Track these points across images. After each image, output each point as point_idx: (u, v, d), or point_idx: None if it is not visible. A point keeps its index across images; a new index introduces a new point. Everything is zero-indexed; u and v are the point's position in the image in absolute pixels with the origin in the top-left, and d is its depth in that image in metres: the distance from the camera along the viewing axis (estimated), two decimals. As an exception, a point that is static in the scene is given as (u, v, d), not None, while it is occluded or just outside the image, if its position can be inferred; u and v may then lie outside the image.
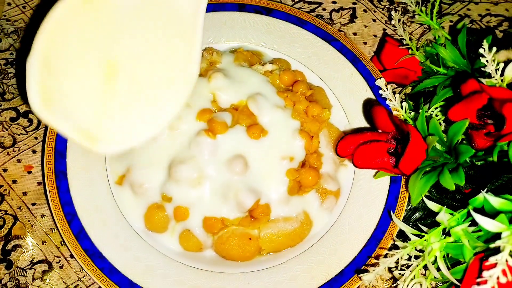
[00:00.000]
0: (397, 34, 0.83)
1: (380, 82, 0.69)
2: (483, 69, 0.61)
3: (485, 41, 0.60)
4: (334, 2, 0.92)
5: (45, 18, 0.50)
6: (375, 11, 0.91)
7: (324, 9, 0.91)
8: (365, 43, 0.88)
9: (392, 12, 0.78)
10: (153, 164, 0.66)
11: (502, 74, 0.61)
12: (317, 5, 0.91)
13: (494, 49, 0.60)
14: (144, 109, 0.56)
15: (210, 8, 0.79)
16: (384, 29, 0.89)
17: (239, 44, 0.79)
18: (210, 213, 0.65)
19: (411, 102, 0.71)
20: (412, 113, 0.67)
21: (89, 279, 0.66)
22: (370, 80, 0.75)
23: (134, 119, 0.55)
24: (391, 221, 0.66)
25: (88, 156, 0.68)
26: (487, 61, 0.60)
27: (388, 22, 0.90)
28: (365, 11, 0.91)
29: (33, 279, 0.65)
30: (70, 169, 0.67)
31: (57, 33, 0.51)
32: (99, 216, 0.65)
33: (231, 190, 0.65)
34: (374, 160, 0.63)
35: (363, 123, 0.74)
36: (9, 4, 0.85)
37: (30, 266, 0.66)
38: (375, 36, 0.89)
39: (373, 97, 0.74)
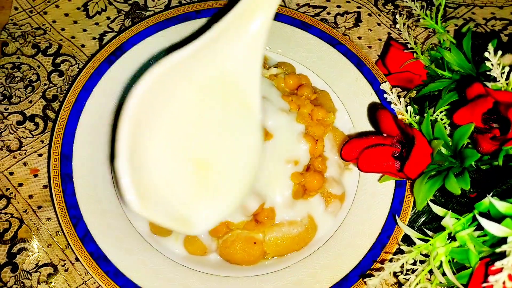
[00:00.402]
0: (401, 38, 0.83)
1: (385, 86, 0.69)
2: (488, 73, 0.61)
3: (490, 44, 0.60)
4: (338, 6, 0.92)
5: (122, 116, 0.50)
6: (379, 15, 0.91)
7: (328, 13, 0.91)
8: (369, 47, 0.88)
9: (397, 16, 0.78)
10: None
11: (507, 78, 0.60)
12: (321, 9, 0.91)
13: (500, 53, 0.60)
14: (225, 185, 0.57)
15: (214, 11, 0.79)
16: (389, 33, 0.89)
17: (244, 48, 0.79)
18: (215, 217, 0.65)
19: (416, 106, 0.71)
20: (417, 117, 0.67)
21: (94, 283, 0.66)
22: (375, 83, 0.75)
23: (219, 198, 0.56)
24: (396, 225, 0.65)
25: (94, 160, 0.68)
26: (492, 65, 0.60)
27: (393, 26, 0.90)
28: (369, 15, 0.91)
29: (38, 282, 0.65)
30: (76, 173, 0.67)
31: (138, 127, 0.51)
32: (105, 219, 0.65)
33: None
34: (379, 164, 0.63)
35: (368, 127, 0.74)
36: (16, 8, 0.85)
37: (35, 269, 0.66)
38: (380, 40, 0.89)
39: (378, 101, 0.74)
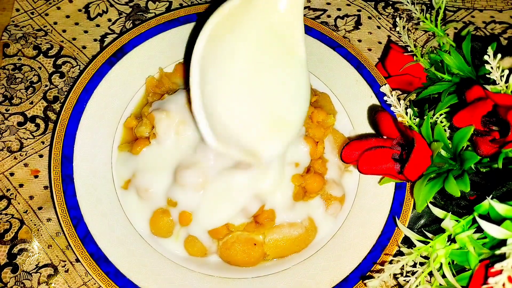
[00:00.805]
0: (401, 40, 0.83)
1: (385, 89, 0.69)
2: (487, 75, 0.61)
3: (489, 48, 0.60)
4: (339, 9, 0.92)
5: (192, 61, 0.58)
6: (379, 18, 0.91)
7: (329, 16, 0.91)
8: (369, 49, 0.88)
9: (397, 19, 0.79)
10: (158, 169, 0.67)
11: (507, 81, 0.61)
12: (322, 12, 0.92)
13: (499, 56, 0.60)
14: (286, 118, 0.64)
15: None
16: (389, 36, 0.89)
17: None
18: (216, 219, 0.66)
19: (416, 109, 0.71)
20: (417, 119, 0.68)
21: (94, 283, 0.66)
22: (374, 86, 0.75)
23: (282, 129, 0.63)
24: (396, 227, 0.66)
25: (94, 161, 0.69)
26: (491, 68, 0.60)
27: (393, 29, 0.90)
28: (369, 18, 0.91)
29: (39, 283, 0.65)
30: (77, 174, 0.67)
31: (206, 73, 0.59)
32: (105, 220, 0.65)
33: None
34: (379, 166, 0.64)
35: (368, 129, 0.74)
36: (17, 10, 0.86)
37: (35, 270, 0.66)
38: (380, 42, 0.89)
39: (378, 103, 0.75)
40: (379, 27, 0.91)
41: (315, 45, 0.79)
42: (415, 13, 0.78)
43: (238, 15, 0.59)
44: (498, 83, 0.61)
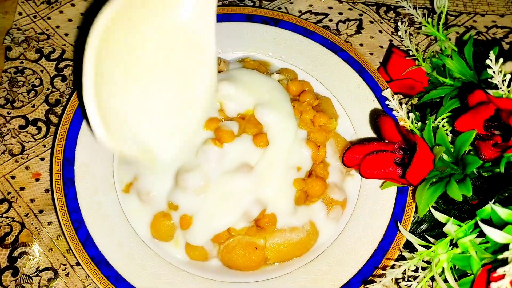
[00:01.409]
0: (403, 45, 0.83)
1: (387, 93, 0.69)
2: (490, 80, 0.61)
3: (492, 52, 0.60)
4: (340, 13, 0.92)
5: (86, 51, 0.55)
6: (381, 22, 0.91)
7: (330, 20, 0.91)
8: (371, 53, 0.88)
9: (399, 23, 0.79)
10: (160, 173, 0.67)
11: (509, 85, 0.61)
12: (324, 16, 0.92)
13: (501, 60, 0.60)
14: (186, 113, 0.65)
15: (218, 18, 0.79)
16: (391, 40, 0.89)
17: (246, 54, 0.80)
18: (217, 222, 0.65)
19: (417, 113, 0.71)
20: (419, 123, 0.67)
21: (95, 287, 0.66)
22: (376, 90, 0.75)
23: (181, 125, 0.65)
24: (398, 232, 0.65)
25: (96, 164, 0.69)
26: (494, 72, 0.60)
27: (395, 33, 0.90)
28: (371, 22, 0.91)
29: (39, 287, 0.65)
30: (78, 177, 0.67)
31: (101, 56, 0.56)
32: (106, 223, 0.65)
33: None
34: (381, 170, 0.63)
35: (370, 133, 0.74)
36: (20, 13, 0.86)
37: (36, 273, 0.66)
38: (381, 47, 0.89)
39: (379, 107, 0.74)
40: (380, 32, 0.91)
41: (317, 49, 0.80)
42: (417, 18, 0.78)
43: (137, 8, 0.58)
44: (500, 88, 0.61)
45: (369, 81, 0.76)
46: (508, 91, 0.61)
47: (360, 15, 0.92)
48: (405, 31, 0.77)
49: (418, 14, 0.77)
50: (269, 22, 0.81)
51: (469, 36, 0.73)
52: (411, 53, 0.76)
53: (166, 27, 0.60)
